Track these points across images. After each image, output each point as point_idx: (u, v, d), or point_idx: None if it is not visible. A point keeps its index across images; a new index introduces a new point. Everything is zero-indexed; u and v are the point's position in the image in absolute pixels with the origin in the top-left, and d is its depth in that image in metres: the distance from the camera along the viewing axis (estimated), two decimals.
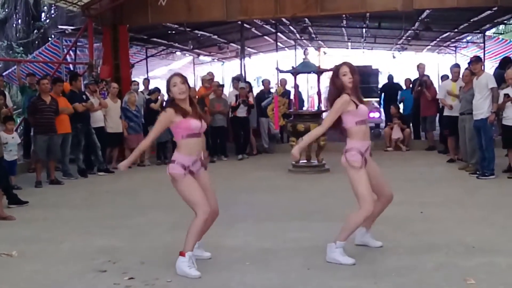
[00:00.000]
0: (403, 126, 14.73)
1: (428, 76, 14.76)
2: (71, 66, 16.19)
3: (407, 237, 6.08)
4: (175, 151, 5.24)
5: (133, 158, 5.44)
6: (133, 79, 15.74)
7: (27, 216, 7.87)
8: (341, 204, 7.42)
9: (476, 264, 5.11)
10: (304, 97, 21.74)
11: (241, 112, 13.94)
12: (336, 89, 5.39)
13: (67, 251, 6.06)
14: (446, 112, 12.09)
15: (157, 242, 6.26)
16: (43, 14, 26.58)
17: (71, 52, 16.22)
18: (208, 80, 14.91)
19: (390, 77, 17.50)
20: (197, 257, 5.26)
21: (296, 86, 12.95)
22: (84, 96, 11.75)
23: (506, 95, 9.69)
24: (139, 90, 15.00)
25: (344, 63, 5.46)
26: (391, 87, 17.26)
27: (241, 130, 14.08)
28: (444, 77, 14.08)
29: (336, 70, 5.45)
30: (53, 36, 21.63)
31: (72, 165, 11.48)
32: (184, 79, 5.19)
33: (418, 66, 15.20)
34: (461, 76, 11.56)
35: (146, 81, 17.03)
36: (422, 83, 14.29)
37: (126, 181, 11.04)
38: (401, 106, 16.13)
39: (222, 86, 15.49)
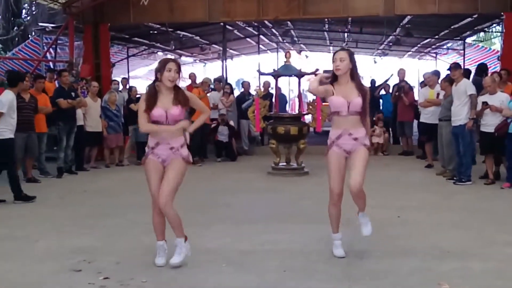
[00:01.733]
0: (382, 130, 14.80)
1: (406, 82, 14.86)
2: (51, 64, 16.06)
3: (384, 240, 6.11)
4: None
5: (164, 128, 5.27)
6: (113, 79, 15.67)
7: (2, 213, 7.82)
8: (319, 206, 7.44)
9: (450, 269, 5.15)
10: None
11: (223, 137, 13.97)
12: (332, 74, 5.44)
13: (42, 250, 6.01)
14: (422, 119, 12.17)
15: (134, 242, 6.24)
16: (23, 11, 26.36)
17: (51, 50, 16.11)
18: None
19: (373, 82, 17.59)
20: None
21: (277, 89, 12.97)
22: (72, 93, 11.62)
23: (484, 103, 9.78)
24: (119, 89, 14.92)
25: (341, 49, 5.51)
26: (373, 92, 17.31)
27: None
28: (423, 84, 14.18)
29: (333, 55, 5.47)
30: (33, 33, 21.46)
31: (52, 163, 11.40)
32: (179, 68, 5.23)
33: (398, 72, 15.31)
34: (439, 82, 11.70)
35: (125, 80, 16.95)
36: (400, 88, 14.39)
37: (105, 180, 10.98)
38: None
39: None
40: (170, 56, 24.95)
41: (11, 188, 8.85)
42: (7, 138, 8.82)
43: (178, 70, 5.19)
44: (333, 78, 5.41)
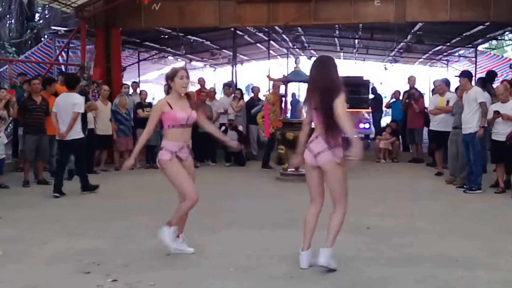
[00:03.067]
0: (391, 138, 14.78)
1: (416, 89, 14.82)
2: (63, 67, 16.17)
3: (390, 248, 6.11)
4: (163, 139, 5.71)
5: (135, 153, 5.84)
6: (124, 82, 15.75)
7: (12, 215, 7.85)
8: (327, 213, 7.45)
9: (457, 277, 5.14)
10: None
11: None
12: None
13: (51, 251, 6.05)
14: (432, 126, 12.14)
15: (142, 245, 6.27)
16: (37, 15, 26.53)
17: (63, 53, 16.24)
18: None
19: (374, 89, 17.57)
20: (181, 252, 5.68)
21: (286, 95, 12.99)
22: (83, 97, 11.65)
23: (496, 112, 9.75)
24: (129, 93, 15.00)
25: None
26: (376, 99, 17.38)
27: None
28: (434, 91, 14.15)
29: None
30: (46, 36, 21.61)
31: None
32: (188, 75, 5.70)
33: (409, 79, 15.29)
34: (452, 89, 11.68)
35: (135, 84, 17.05)
36: (410, 96, 14.37)
37: (114, 183, 11.03)
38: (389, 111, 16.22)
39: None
40: (180, 60, 25.11)
41: (81, 180, 9.83)
42: (83, 137, 9.90)
43: (189, 77, 5.67)
44: None
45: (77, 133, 9.62)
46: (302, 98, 22.40)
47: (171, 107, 5.53)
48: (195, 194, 5.56)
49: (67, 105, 9.49)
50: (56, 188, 9.51)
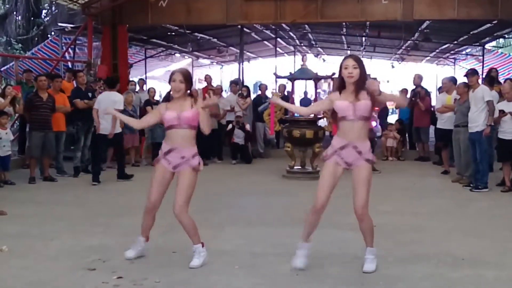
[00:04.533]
0: (396, 135, 14.75)
1: (422, 87, 14.76)
2: (69, 64, 16.19)
3: (397, 246, 6.10)
4: None
5: (123, 119, 6.12)
6: (131, 79, 15.76)
7: (18, 211, 7.87)
8: (333, 211, 7.43)
9: (463, 276, 5.13)
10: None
11: (239, 139, 14.02)
12: (339, 81, 5.29)
13: (57, 248, 6.06)
14: (439, 125, 12.12)
15: (148, 242, 6.25)
16: (43, 11, 26.59)
17: (70, 50, 16.24)
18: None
19: None
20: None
21: (293, 92, 12.97)
22: (90, 94, 11.69)
23: (501, 111, 9.72)
24: (135, 90, 15.02)
25: (350, 56, 5.25)
26: None
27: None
28: (441, 89, 14.10)
29: (341, 62, 5.25)
30: (52, 33, 21.63)
31: (69, 163, 11.50)
32: (185, 78, 5.35)
33: (414, 77, 15.23)
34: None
35: (142, 81, 17.06)
36: (416, 94, 14.33)
37: (121, 180, 11.02)
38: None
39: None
40: (187, 57, 25.12)
41: (118, 168, 11.07)
42: (121, 131, 11.13)
43: (184, 80, 5.32)
44: (340, 86, 5.26)
45: (117, 128, 10.84)
46: (312, 97, 22.42)
47: (166, 108, 5.39)
48: (150, 201, 5.45)
49: (108, 102, 10.16)
50: (95, 177, 10.49)
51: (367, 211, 5.16)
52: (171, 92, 5.47)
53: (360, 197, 5.11)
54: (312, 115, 11.11)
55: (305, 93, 23.56)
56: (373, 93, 5.00)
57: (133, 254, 5.58)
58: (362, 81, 5.10)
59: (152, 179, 5.46)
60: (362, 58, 5.34)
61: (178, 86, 5.31)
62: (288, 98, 15.03)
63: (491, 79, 12.51)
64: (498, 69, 16.43)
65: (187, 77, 5.38)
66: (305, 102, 17.06)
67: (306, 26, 19.34)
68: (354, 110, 5.06)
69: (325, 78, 12.41)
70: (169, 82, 5.39)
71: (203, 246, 5.42)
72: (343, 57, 5.33)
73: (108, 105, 9.67)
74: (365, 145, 5.15)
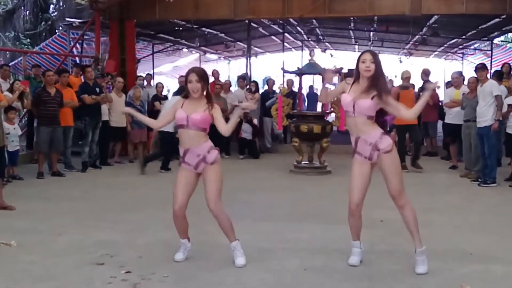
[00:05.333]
0: None
1: (430, 82, 14.66)
2: (77, 59, 16.22)
3: (405, 241, 6.05)
4: None
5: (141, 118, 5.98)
6: (138, 74, 15.79)
7: (26, 206, 7.88)
8: (341, 206, 7.41)
9: (471, 271, 5.12)
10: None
11: (246, 134, 14.02)
12: (355, 73, 5.22)
13: (65, 243, 6.07)
14: (447, 120, 12.08)
15: (156, 237, 6.28)
16: (51, 6, 26.61)
17: (77, 45, 16.27)
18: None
19: (390, 82, 17.40)
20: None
21: (301, 87, 12.95)
22: (97, 89, 11.71)
23: (510, 106, 9.67)
24: (143, 85, 15.04)
25: (368, 51, 5.27)
26: None
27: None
28: (449, 84, 14.04)
29: (359, 55, 5.25)
30: (60, 28, 21.67)
31: (77, 158, 11.53)
32: (201, 76, 5.22)
33: (421, 72, 15.14)
34: (466, 83, 11.56)
35: (149, 76, 17.07)
36: (422, 89, 14.25)
37: (128, 175, 11.06)
38: None
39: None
40: (194, 52, 25.10)
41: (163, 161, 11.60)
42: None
43: (200, 80, 5.19)
44: (354, 79, 5.23)
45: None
46: (318, 91, 22.39)
47: (181, 106, 5.28)
48: (175, 204, 5.24)
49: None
50: (164, 165, 11.44)
51: (404, 197, 5.19)
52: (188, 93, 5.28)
53: (392, 185, 5.13)
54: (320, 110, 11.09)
55: (311, 87, 23.44)
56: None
57: (181, 256, 5.44)
58: (377, 78, 5.07)
59: (175, 183, 5.30)
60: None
61: (195, 87, 5.16)
62: (296, 93, 15.05)
63: (500, 74, 12.43)
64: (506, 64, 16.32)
65: (203, 76, 5.24)
66: (311, 97, 17.06)
67: (314, 21, 19.29)
68: (353, 107, 5.06)
69: (334, 72, 12.36)
70: (185, 84, 5.27)
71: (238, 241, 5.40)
72: (356, 52, 5.32)
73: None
74: (374, 135, 5.08)
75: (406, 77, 12.22)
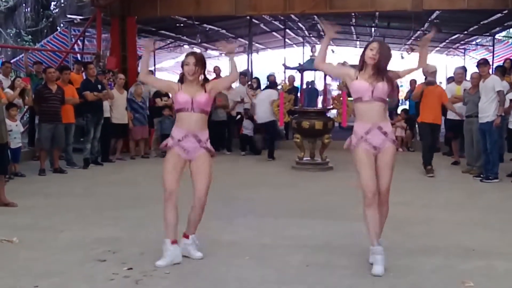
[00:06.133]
0: (404, 125, 14.71)
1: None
2: (78, 56, 16.21)
3: (406, 238, 6.08)
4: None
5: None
6: (140, 71, 15.77)
7: (28, 203, 7.89)
8: (343, 202, 7.44)
9: (474, 267, 5.10)
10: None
11: (248, 130, 14.04)
12: (360, 60, 5.19)
13: (67, 240, 6.07)
14: (449, 115, 12.05)
15: (157, 234, 6.24)
16: (52, 3, 26.59)
17: (79, 41, 16.25)
18: None
19: None
20: (188, 255, 5.33)
21: (302, 84, 12.94)
22: (99, 86, 11.69)
23: None
24: None
25: (377, 41, 5.26)
26: None
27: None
28: (450, 79, 14.02)
29: (368, 43, 5.23)
30: (61, 25, 21.66)
31: (78, 155, 11.53)
32: (198, 60, 5.21)
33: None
34: (468, 78, 11.54)
35: (151, 73, 17.04)
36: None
37: (130, 172, 11.07)
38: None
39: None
40: (196, 49, 25.05)
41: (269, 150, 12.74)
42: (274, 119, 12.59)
43: (197, 63, 5.17)
44: (360, 67, 5.19)
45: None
46: (320, 87, 22.29)
47: (180, 89, 5.24)
48: (166, 189, 5.14)
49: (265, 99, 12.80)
50: (270, 154, 12.89)
51: (388, 194, 5.16)
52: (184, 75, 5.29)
53: (384, 180, 5.10)
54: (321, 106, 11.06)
55: (310, 83, 23.33)
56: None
57: (164, 263, 5.12)
58: (382, 66, 5.06)
59: (165, 167, 5.22)
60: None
61: (191, 69, 5.16)
62: (298, 89, 15.03)
63: (503, 69, 12.41)
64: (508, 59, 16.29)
65: (200, 60, 5.23)
66: (310, 93, 17.02)
67: (315, 17, 19.26)
68: (372, 92, 5.01)
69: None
70: (182, 66, 5.25)
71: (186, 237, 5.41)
72: (357, 48, 5.33)
73: (265, 100, 12.51)
74: (389, 125, 5.15)
75: (432, 72, 11.26)
